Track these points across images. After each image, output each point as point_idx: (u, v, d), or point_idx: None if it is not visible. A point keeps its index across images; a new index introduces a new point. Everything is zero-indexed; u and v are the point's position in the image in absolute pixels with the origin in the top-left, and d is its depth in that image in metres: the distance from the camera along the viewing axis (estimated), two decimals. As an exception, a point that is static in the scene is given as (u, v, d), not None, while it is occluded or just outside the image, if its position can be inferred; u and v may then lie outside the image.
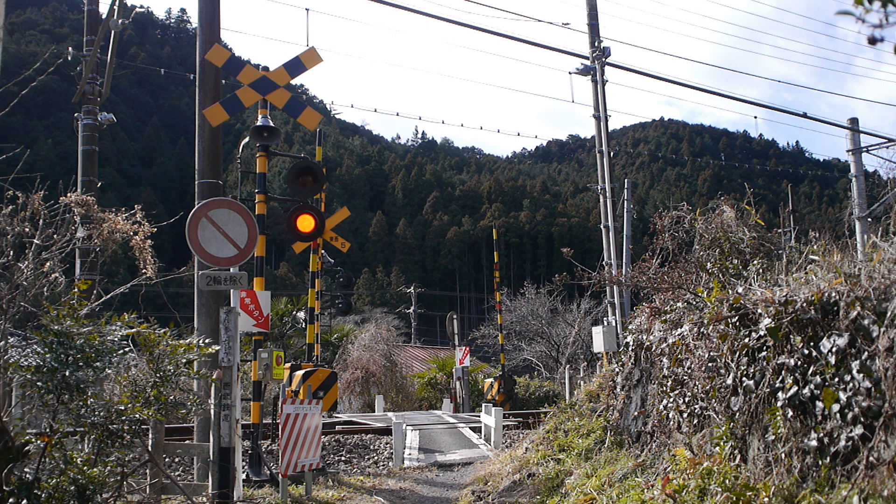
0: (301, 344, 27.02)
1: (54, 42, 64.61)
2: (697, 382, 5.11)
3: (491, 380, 20.79)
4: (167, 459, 9.38)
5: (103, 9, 12.73)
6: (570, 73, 17.00)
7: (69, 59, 11.98)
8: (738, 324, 4.57)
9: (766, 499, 3.80)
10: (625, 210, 24.72)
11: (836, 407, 3.59)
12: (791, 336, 4.02)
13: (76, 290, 5.20)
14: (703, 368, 5.01)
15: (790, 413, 3.90)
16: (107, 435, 4.88)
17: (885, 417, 3.29)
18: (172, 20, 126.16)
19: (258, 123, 9.33)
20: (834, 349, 3.69)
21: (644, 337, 6.78)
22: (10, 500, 4.22)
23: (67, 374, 4.61)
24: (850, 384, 3.55)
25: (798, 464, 3.79)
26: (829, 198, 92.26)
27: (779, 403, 4.00)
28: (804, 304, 3.98)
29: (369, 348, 25.39)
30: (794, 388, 3.90)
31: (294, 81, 9.83)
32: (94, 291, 6.97)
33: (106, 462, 4.91)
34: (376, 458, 11.18)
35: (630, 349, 7.28)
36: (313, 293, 16.70)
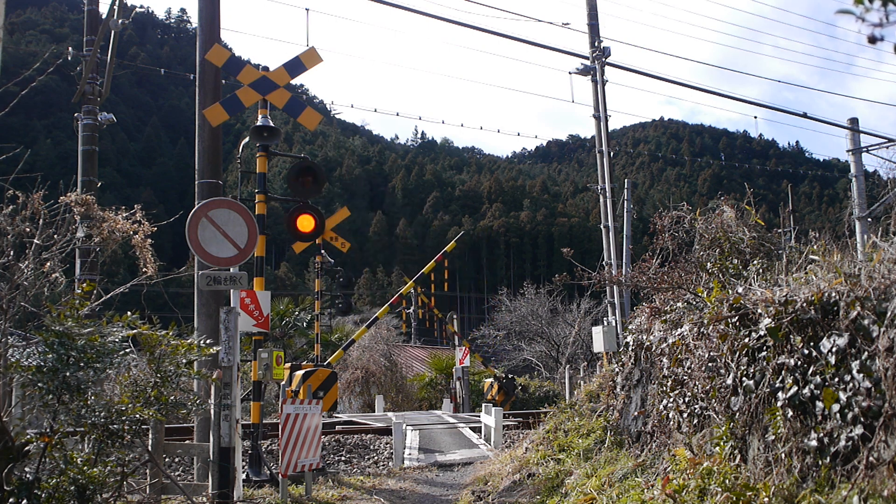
0: (301, 343, 27.04)
1: (54, 42, 64.66)
2: (697, 382, 5.11)
3: (491, 379, 20.79)
4: (167, 459, 9.38)
5: (103, 9, 12.75)
6: (570, 73, 16.99)
7: (69, 59, 11.97)
8: (738, 324, 4.57)
9: (766, 499, 3.80)
10: (625, 210, 24.71)
11: (836, 407, 3.59)
12: (791, 336, 4.02)
13: (78, 290, 5.20)
14: (703, 368, 5.01)
15: (790, 413, 3.90)
16: (107, 435, 4.87)
17: (885, 417, 3.29)
18: (172, 20, 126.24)
19: (258, 123, 9.34)
20: (834, 349, 3.69)
21: (644, 337, 6.78)
22: (10, 500, 4.22)
23: (68, 374, 4.61)
24: (850, 384, 3.55)
25: (798, 464, 3.79)
26: (829, 198, 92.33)
27: (779, 403, 4.00)
28: (804, 304, 3.98)
29: (369, 348, 25.41)
30: (794, 388, 3.90)
31: (294, 81, 9.84)
32: (95, 291, 6.97)
33: (106, 462, 4.91)
34: (376, 458, 11.18)
35: (630, 349, 7.27)
36: (364, 331, 17.14)
